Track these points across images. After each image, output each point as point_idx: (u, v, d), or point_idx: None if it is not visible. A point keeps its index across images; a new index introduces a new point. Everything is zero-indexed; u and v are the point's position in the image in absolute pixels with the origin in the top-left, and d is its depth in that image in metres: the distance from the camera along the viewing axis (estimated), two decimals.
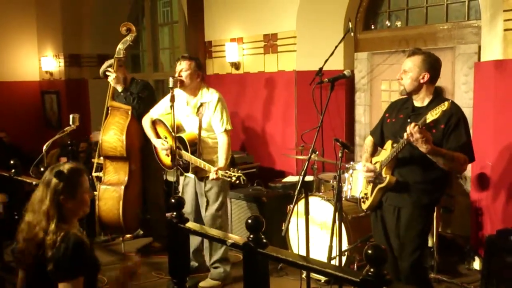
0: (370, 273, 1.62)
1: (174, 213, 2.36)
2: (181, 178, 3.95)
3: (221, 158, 3.72)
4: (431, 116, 2.54)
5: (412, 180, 2.85)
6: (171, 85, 3.68)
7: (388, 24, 5.05)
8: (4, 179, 3.89)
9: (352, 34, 4.85)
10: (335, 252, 3.17)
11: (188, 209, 3.98)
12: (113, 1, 7.78)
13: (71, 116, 4.05)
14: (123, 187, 4.25)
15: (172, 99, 3.65)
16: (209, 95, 3.79)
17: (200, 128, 3.79)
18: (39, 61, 8.44)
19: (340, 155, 3.11)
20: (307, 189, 3.17)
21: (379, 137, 3.11)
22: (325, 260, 3.15)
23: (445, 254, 4.10)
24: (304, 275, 3.50)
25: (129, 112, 4.29)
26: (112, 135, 4.25)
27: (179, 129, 3.88)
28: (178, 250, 2.42)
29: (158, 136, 4.01)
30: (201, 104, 3.78)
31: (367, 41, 5.15)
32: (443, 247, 4.07)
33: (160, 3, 7.77)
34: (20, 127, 7.94)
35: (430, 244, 3.84)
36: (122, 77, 4.43)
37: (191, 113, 3.84)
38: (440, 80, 4.44)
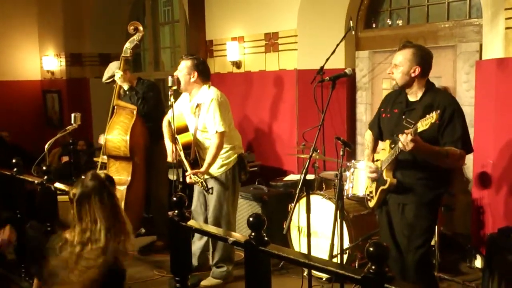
0: (371, 271, 1.63)
1: (176, 212, 2.37)
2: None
3: (206, 161, 3.67)
4: (421, 126, 2.54)
5: (415, 177, 2.86)
6: (170, 84, 3.69)
7: (390, 23, 5.05)
8: (6, 178, 3.90)
9: (353, 32, 4.84)
10: (336, 250, 3.17)
11: (194, 206, 3.99)
12: (114, 0, 7.78)
13: (72, 115, 4.06)
14: (125, 187, 4.23)
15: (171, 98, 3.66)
16: (206, 95, 3.73)
17: (196, 129, 3.78)
18: (41, 60, 8.45)
19: (341, 153, 3.12)
20: (309, 187, 3.17)
21: (378, 130, 3.12)
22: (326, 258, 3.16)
23: (447, 252, 4.11)
24: (305, 273, 3.50)
25: (134, 112, 4.28)
26: (116, 134, 4.24)
27: (186, 130, 3.86)
28: (180, 248, 2.43)
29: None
30: (198, 105, 3.75)
31: (368, 39, 5.15)
32: (445, 246, 4.07)
33: (161, 2, 7.78)
34: (21, 126, 7.95)
35: (431, 242, 3.84)
36: (128, 75, 4.43)
37: (190, 114, 3.83)
38: (442, 78, 4.50)
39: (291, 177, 4.89)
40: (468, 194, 4.25)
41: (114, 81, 4.45)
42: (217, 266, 3.89)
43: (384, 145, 3.00)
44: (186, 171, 3.80)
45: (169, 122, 3.87)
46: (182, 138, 3.81)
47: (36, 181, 3.57)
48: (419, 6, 4.84)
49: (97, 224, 2.19)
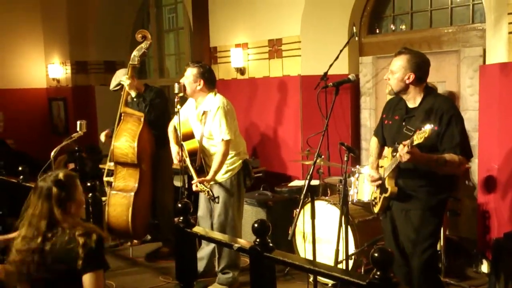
0: (376, 277, 1.63)
1: (181, 218, 2.38)
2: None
3: (212, 169, 3.68)
4: (417, 139, 2.55)
5: (417, 185, 2.86)
6: (176, 91, 3.71)
7: (393, 28, 5.07)
8: (12, 185, 3.93)
9: (356, 38, 4.85)
10: (341, 256, 3.17)
11: (201, 212, 3.99)
12: (119, 8, 7.84)
13: (78, 122, 4.08)
14: (133, 194, 4.25)
15: (178, 105, 3.68)
16: (212, 103, 3.74)
17: (202, 136, 3.80)
18: (46, 68, 8.51)
19: (345, 159, 3.13)
20: (313, 193, 3.18)
21: (382, 137, 3.12)
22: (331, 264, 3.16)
23: (453, 257, 4.09)
24: (311, 279, 3.50)
25: (142, 119, 4.30)
26: (124, 141, 4.27)
27: (191, 136, 3.88)
28: (185, 255, 2.44)
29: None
30: (204, 112, 3.77)
31: (371, 45, 5.17)
32: (451, 250, 4.06)
33: (165, 9, 7.82)
34: (27, 134, 8.00)
35: (437, 247, 3.83)
36: (135, 82, 4.46)
37: (196, 121, 3.85)
38: (446, 83, 4.50)
39: (295, 183, 4.90)
40: (474, 199, 4.24)
41: (121, 89, 4.48)
42: (223, 272, 3.89)
43: (386, 152, 3.01)
44: (192, 178, 3.82)
45: (175, 128, 3.90)
46: (188, 145, 3.83)
47: None
48: (422, 11, 4.85)
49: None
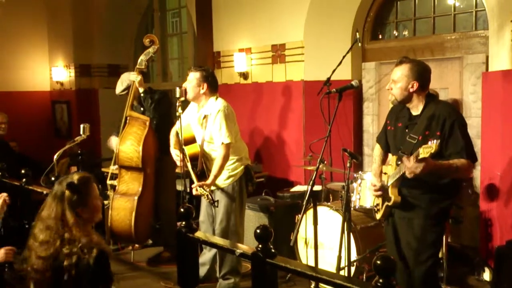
0: (379, 284, 1.63)
1: (183, 223, 2.38)
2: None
3: (212, 172, 3.68)
4: (423, 153, 2.55)
5: (420, 192, 2.85)
6: (177, 95, 3.73)
7: (396, 34, 5.07)
8: (15, 188, 3.93)
9: (359, 44, 4.87)
10: (343, 263, 3.17)
11: (202, 217, 3.99)
12: (123, 12, 7.87)
13: (81, 126, 4.09)
14: (136, 198, 4.26)
15: (179, 109, 3.69)
16: (213, 107, 3.75)
17: (203, 140, 3.80)
18: (50, 71, 8.54)
19: (348, 165, 3.12)
20: (316, 199, 3.17)
21: (385, 143, 3.12)
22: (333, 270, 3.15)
23: (455, 265, 4.08)
24: (312, 286, 3.49)
25: (147, 123, 4.32)
26: (129, 145, 4.28)
27: (193, 141, 3.88)
28: (187, 260, 2.43)
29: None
30: (205, 116, 3.78)
31: (374, 51, 5.17)
32: (453, 258, 4.05)
33: (169, 13, 7.85)
34: (30, 137, 8.01)
35: (439, 255, 3.82)
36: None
37: (197, 124, 3.86)
38: (449, 90, 4.50)
39: (298, 188, 4.89)
40: (476, 207, 4.22)
41: (127, 93, 4.51)
42: (224, 278, 3.88)
43: (391, 160, 3.01)
44: (193, 182, 3.82)
45: (177, 133, 3.90)
46: (189, 150, 3.83)
47: (44, 192, 3.60)
48: (425, 18, 4.86)
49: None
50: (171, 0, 7.75)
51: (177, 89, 3.74)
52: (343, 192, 3.18)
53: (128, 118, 4.40)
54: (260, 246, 2.01)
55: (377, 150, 3.20)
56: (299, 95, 5.22)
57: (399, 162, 2.83)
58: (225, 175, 3.77)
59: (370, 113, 5.16)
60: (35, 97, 8.48)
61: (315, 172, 3.04)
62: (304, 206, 3.00)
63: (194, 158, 3.84)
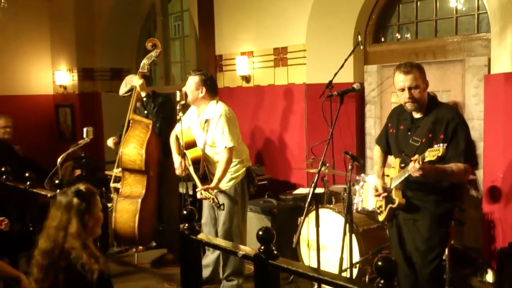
0: (380, 285, 1.64)
1: (187, 225, 2.40)
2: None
3: (216, 176, 3.70)
4: (429, 156, 2.57)
5: (424, 194, 2.86)
6: (178, 98, 3.76)
7: (398, 37, 5.09)
8: (20, 191, 3.96)
9: (361, 47, 4.87)
10: (346, 264, 3.17)
11: (204, 220, 4.01)
12: (125, 15, 7.90)
13: (84, 129, 4.11)
14: (140, 200, 4.28)
15: (180, 112, 3.72)
16: (214, 111, 3.77)
17: (204, 144, 3.81)
18: (53, 75, 8.57)
19: (350, 167, 3.14)
20: (318, 201, 3.19)
21: (386, 145, 3.13)
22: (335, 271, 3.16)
23: (458, 267, 4.07)
24: (315, 287, 3.49)
25: (150, 126, 4.35)
26: (132, 148, 4.30)
27: (194, 144, 3.90)
28: (190, 262, 2.44)
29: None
30: (206, 120, 3.79)
31: (376, 54, 5.18)
32: (456, 260, 4.05)
33: (171, 17, 7.88)
34: (34, 140, 8.03)
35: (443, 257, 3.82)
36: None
37: (198, 128, 3.88)
38: (451, 92, 4.51)
39: (300, 191, 4.90)
40: (479, 209, 4.22)
41: (131, 95, 4.54)
42: (228, 279, 3.89)
43: (394, 163, 3.02)
44: (196, 185, 3.83)
45: (177, 137, 3.92)
46: (191, 153, 3.84)
47: (49, 195, 3.63)
48: (427, 21, 4.87)
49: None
50: (174, 4, 7.78)
51: (178, 93, 3.77)
52: (345, 194, 3.20)
53: (131, 121, 4.43)
54: (262, 247, 2.02)
55: (378, 151, 3.20)
56: (301, 98, 5.24)
57: (402, 165, 2.84)
58: (227, 178, 3.79)
59: (372, 115, 5.17)
60: (39, 101, 8.51)
61: (317, 175, 3.05)
62: (306, 208, 3.01)
63: (196, 162, 3.86)
